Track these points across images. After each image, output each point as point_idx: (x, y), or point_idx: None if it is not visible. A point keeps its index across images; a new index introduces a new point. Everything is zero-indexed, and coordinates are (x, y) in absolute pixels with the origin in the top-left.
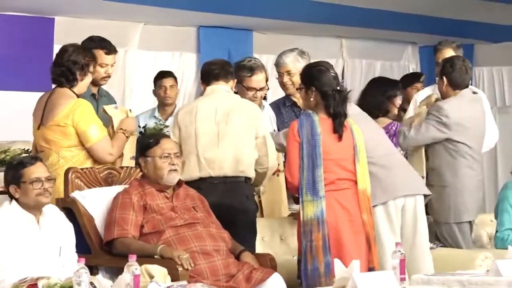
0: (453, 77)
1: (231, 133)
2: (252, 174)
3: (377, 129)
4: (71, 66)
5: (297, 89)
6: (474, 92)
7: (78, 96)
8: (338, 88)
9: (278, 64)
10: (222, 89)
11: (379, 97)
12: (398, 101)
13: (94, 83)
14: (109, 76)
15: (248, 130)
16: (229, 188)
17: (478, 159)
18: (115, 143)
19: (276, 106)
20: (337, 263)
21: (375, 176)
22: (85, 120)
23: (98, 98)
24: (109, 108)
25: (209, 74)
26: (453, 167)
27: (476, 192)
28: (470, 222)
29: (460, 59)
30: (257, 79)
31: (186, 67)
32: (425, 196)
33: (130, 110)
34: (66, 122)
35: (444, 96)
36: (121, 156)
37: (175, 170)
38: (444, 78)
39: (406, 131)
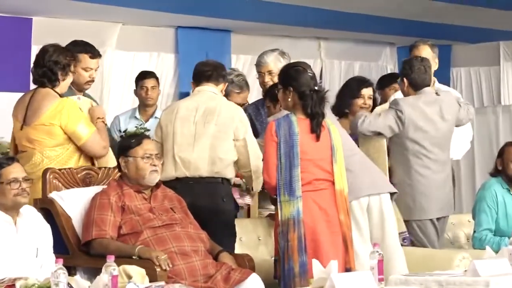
0: (413, 78)
1: (208, 134)
2: (229, 175)
3: (340, 130)
4: (53, 66)
5: (275, 89)
6: (438, 93)
7: (60, 96)
8: (316, 88)
9: (259, 64)
10: (209, 90)
11: (343, 96)
12: (361, 100)
13: (79, 87)
14: (92, 81)
15: (226, 132)
16: (205, 189)
17: (436, 159)
18: (103, 135)
19: (255, 107)
20: (315, 264)
21: None
22: (73, 120)
23: None
24: (72, 99)
25: (201, 74)
26: (404, 166)
27: (437, 190)
28: (432, 221)
29: (418, 59)
30: (243, 96)
31: (164, 68)
32: (392, 194)
33: (91, 103)
34: (52, 122)
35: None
36: None
37: (156, 171)
38: (405, 80)
39: (365, 116)
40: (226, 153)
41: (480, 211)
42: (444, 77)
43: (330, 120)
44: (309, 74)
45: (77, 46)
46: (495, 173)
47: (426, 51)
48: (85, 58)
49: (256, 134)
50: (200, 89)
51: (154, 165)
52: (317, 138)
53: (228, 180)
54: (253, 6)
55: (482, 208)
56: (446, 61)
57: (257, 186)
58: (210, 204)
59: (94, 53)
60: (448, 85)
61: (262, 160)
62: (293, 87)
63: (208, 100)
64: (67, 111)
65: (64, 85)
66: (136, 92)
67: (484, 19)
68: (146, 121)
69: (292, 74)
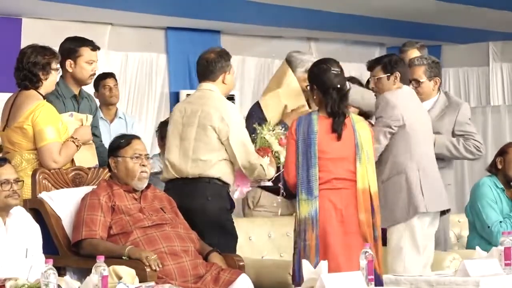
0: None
1: (190, 136)
2: (217, 175)
3: None
4: (32, 68)
5: (306, 86)
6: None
7: (44, 97)
8: (339, 86)
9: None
10: (205, 89)
11: None
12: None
13: (82, 82)
14: (94, 74)
15: (206, 133)
16: (190, 189)
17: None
18: (63, 151)
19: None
20: (305, 264)
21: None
22: (44, 120)
23: (79, 100)
24: (63, 116)
25: (197, 73)
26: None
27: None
28: None
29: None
30: None
31: (154, 68)
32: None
33: (87, 118)
34: (27, 122)
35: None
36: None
37: (145, 173)
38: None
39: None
40: (210, 154)
41: (484, 207)
42: None
43: (358, 117)
44: (333, 72)
45: (76, 41)
46: (495, 170)
47: (415, 54)
48: (87, 51)
49: None
50: (198, 87)
51: (144, 165)
52: (339, 137)
53: (217, 179)
54: (243, 8)
55: (486, 203)
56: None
57: (258, 178)
58: (194, 204)
59: (94, 46)
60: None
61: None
62: (317, 85)
63: (196, 100)
64: (41, 111)
65: (48, 84)
66: (96, 94)
67: (474, 19)
68: (111, 121)
69: (316, 72)
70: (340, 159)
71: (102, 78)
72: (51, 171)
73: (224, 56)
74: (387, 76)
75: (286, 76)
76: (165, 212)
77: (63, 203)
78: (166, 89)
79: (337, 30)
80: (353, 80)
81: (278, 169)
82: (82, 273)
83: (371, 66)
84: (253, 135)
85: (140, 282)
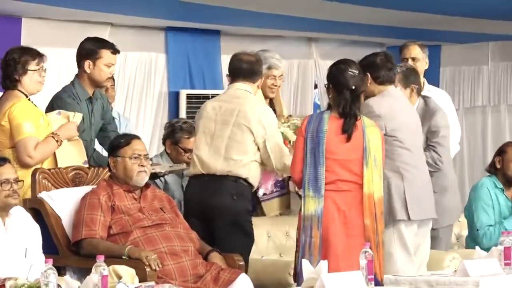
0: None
1: (224, 134)
2: (245, 175)
3: None
4: (5, 67)
5: (325, 85)
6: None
7: (27, 96)
8: (354, 87)
9: (273, 67)
10: (241, 88)
11: None
12: None
13: (97, 84)
14: (112, 77)
15: (242, 134)
16: (216, 187)
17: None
18: (40, 146)
19: None
20: (305, 264)
21: None
22: (20, 115)
23: (93, 101)
24: (50, 115)
25: (235, 71)
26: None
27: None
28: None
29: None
30: (193, 141)
31: (153, 67)
32: None
33: (74, 115)
34: (5, 119)
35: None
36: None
37: (145, 171)
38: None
39: None
40: (242, 154)
41: (477, 209)
42: (433, 77)
43: (370, 121)
44: (350, 73)
45: (97, 42)
46: (494, 170)
47: (416, 51)
48: (107, 54)
49: None
50: (231, 86)
51: (142, 166)
52: (348, 139)
53: (244, 179)
54: (243, 15)
55: (480, 206)
56: (436, 61)
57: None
58: (218, 201)
59: (115, 49)
60: (438, 85)
61: None
62: (332, 84)
63: (231, 99)
64: (15, 107)
65: (28, 84)
66: None
67: (472, 27)
68: None
69: (333, 71)
70: (347, 161)
71: None
72: (51, 170)
73: (261, 61)
74: None
75: None
76: (164, 212)
77: (63, 202)
78: (165, 88)
79: (337, 33)
80: None
81: None
82: (82, 273)
83: None
84: None
85: (140, 282)
